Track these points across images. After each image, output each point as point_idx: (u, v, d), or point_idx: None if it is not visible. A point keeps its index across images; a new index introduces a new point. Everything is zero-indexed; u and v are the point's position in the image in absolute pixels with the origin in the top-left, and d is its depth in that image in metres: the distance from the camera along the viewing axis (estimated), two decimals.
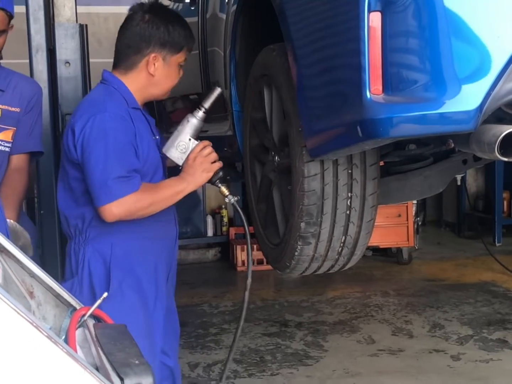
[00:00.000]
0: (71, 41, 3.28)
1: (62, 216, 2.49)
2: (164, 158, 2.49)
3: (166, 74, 2.50)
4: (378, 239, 6.50)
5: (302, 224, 2.25)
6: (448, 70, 1.77)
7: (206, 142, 2.43)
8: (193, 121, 2.41)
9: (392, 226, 6.58)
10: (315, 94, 2.06)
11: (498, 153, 1.81)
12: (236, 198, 2.41)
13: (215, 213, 7.21)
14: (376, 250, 6.95)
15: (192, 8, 3.33)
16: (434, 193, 2.69)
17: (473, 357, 4.31)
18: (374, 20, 1.79)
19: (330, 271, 2.58)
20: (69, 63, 3.23)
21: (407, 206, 6.57)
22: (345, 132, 1.97)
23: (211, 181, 2.42)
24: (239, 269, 6.71)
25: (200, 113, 2.44)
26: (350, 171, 2.23)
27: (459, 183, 7.14)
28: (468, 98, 1.75)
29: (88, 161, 2.31)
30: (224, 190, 2.40)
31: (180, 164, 2.41)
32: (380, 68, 1.81)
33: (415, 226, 6.76)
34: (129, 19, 2.51)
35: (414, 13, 1.80)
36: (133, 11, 2.51)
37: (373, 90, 1.81)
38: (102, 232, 2.39)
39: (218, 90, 2.50)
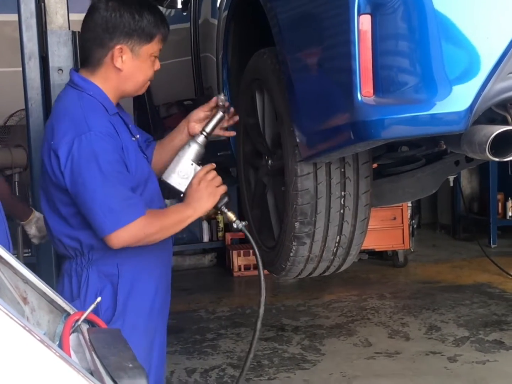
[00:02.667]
0: (64, 48, 3.28)
1: (55, 237, 2.30)
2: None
3: (136, 67, 2.26)
4: (374, 242, 6.51)
5: (297, 224, 2.26)
6: (438, 72, 1.79)
7: (209, 166, 2.31)
8: (195, 146, 2.30)
9: (387, 229, 6.59)
10: (306, 97, 2.07)
11: (489, 154, 1.83)
12: (244, 223, 2.29)
13: (211, 219, 7.21)
14: (372, 253, 6.96)
15: (184, 14, 3.35)
16: (427, 195, 2.70)
17: (469, 358, 4.32)
18: (364, 23, 1.80)
19: (326, 273, 2.59)
20: (62, 70, 3.23)
21: (402, 209, 6.59)
22: (338, 134, 1.98)
23: (216, 206, 2.28)
24: (235, 274, 6.71)
25: (201, 138, 2.34)
26: (343, 170, 2.23)
27: (451, 184, 7.16)
28: (459, 99, 1.77)
29: (83, 188, 2.13)
30: (231, 215, 2.28)
31: (183, 190, 2.28)
32: (371, 71, 1.82)
33: (410, 228, 6.77)
34: (91, 8, 2.27)
35: (404, 16, 1.81)
36: (94, 4, 2.27)
37: (364, 92, 1.82)
38: (106, 254, 2.25)
39: (220, 114, 2.41)
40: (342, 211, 2.27)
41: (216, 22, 2.82)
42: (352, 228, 2.32)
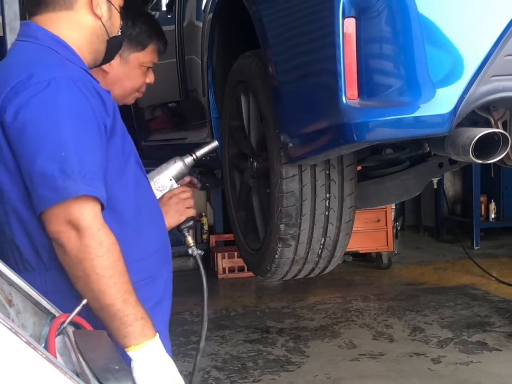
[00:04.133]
0: None
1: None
2: None
3: (124, 73, 2.16)
4: (358, 244, 6.53)
5: (282, 226, 2.27)
6: (422, 75, 1.80)
7: (187, 189, 2.21)
8: (180, 164, 2.24)
9: (371, 231, 6.62)
10: (292, 100, 2.08)
11: (473, 156, 1.84)
12: (200, 252, 2.20)
13: (196, 221, 7.19)
14: (356, 255, 6.98)
15: (169, 16, 3.35)
16: (411, 197, 2.72)
17: (453, 359, 4.34)
18: (348, 26, 1.82)
19: (311, 275, 2.60)
20: None
21: (386, 211, 6.61)
22: (323, 137, 2.00)
23: (179, 227, 2.16)
24: (220, 276, 6.71)
25: (189, 159, 2.27)
26: (327, 172, 2.25)
27: (435, 186, 7.20)
28: (442, 101, 1.78)
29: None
30: (190, 240, 2.20)
31: None
32: (356, 74, 1.83)
33: (394, 230, 6.80)
34: None
35: (388, 19, 1.83)
36: None
37: (349, 95, 1.84)
38: None
39: (215, 143, 2.33)
40: (327, 213, 2.29)
41: (201, 24, 2.82)
42: (337, 230, 2.34)
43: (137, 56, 2.18)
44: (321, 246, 2.37)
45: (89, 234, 1.53)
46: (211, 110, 2.83)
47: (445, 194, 7.73)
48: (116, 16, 1.82)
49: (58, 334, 1.39)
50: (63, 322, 1.40)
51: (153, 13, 3.70)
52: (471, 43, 1.77)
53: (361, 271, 6.78)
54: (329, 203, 2.27)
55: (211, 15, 2.66)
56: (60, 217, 1.53)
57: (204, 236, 7.20)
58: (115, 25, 1.82)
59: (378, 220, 6.66)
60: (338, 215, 2.31)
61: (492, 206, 7.56)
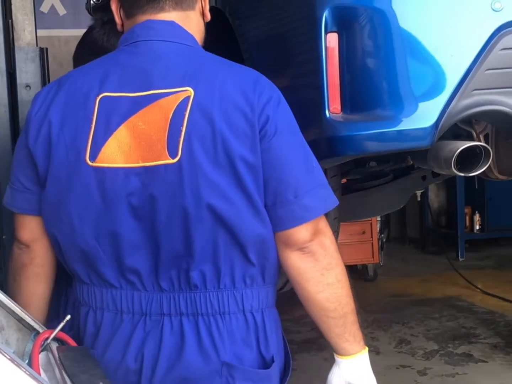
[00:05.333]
0: (32, 64, 3.26)
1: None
2: None
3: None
4: (344, 257, 6.28)
5: None
6: (404, 89, 1.82)
7: None
8: None
9: (356, 243, 6.62)
10: None
11: (455, 169, 1.86)
12: None
13: None
14: None
15: None
16: (395, 209, 2.74)
17: (439, 371, 4.34)
18: (331, 41, 1.84)
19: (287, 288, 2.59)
20: (30, 87, 3.21)
21: (371, 223, 6.62)
22: None
23: None
24: None
25: None
26: None
27: (419, 198, 7.24)
28: (424, 115, 1.80)
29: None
30: None
31: None
32: (338, 88, 1.85)
33: (380, 242, 6.81)
34: (88, 30, 2.22)
35: (370, 34, 1.85)
36: (95, 20, 2.24)
37: (332, 109, 1.85)
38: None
39: None
40: None
41: None
42: None
43: None
44: None
45: (333, 239, 1.58)
46: None
47: (430, 206, 7.76)
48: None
49: (42, 350, 1.39)
50: (47, 338, 1.40)
51: None
52: (452, 58, 1.79)
53: None
54: None
55: None
56: (314, 226, 1.53)
57: None
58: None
59: (364, 232, 6.67)
60: None
61: (477, 217, 7.59)
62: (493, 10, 1.77)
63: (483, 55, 1.77)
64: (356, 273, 6.96)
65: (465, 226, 7.53)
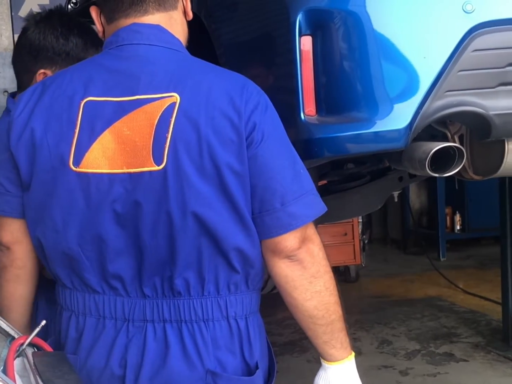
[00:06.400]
0: (9, 70, 3.25)
1: None
2: None
3: None
4: None
5: None
6: (378, 91, 1.84)
7: None
8: None
9: (338, 245, 6.64)
10: None
11: (429, 170, 1.88)
12: None
13: None
14: None
15: None
16: (372, 210, 2.75)
17: (421, 371, 4.37)
18: (305, 44, 1.85)
19: (275, 290, 2.59)
20: (8, 92, 3.21)
21: (352, 224, 6.65)
22: None
23: None
24: None
25: None
26: None
27: (396, 199, 7.27)
28: (398, 117, 1.82)
29: None
30: None
31: None
32: (313, 90, 1.86)
33: (361, 244, 6.84)
34: (22, 30, 2.08)
35: (344, 37, 1.86)
36: (27, 21, 2.08)
37: (307, 111, 1.86)
38: None
39: None
40: None
41: None
42: None
43: None
44: None
45: (322, 246, 1.56)
46: None
47: (411, 206, 7.81)
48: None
49: (17, 356, 1.38)
50: (22, 344, 1.39)
51: None
52: (425, 60, 1.81)
53: None
54: None
55: None
56: (302, 234, 1.52)
57: None
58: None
59: (345, 234, 6.69)
60: None
61: (457, 217, 7.64)
62: (465, 12, 1.78)
63: (455, 56, 1.78)
64: (338, 275, 6.98)
65: (446, 226, 7.58)
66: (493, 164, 2.05)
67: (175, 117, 1.44)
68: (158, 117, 1.45)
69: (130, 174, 1.47)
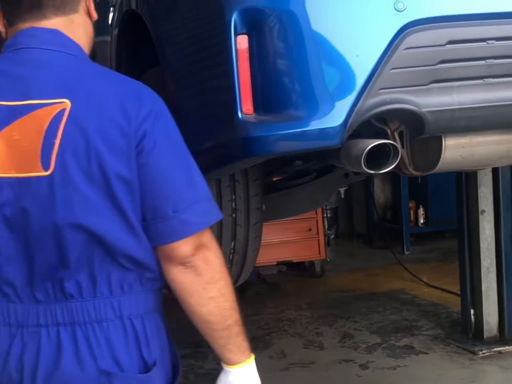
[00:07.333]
0: None
1: None
2: None
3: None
4: (291, 254, 6.59)
5: None
6: (314, 89, 1.85)
7: None
8: None
9: (303, 240, 6.67)
10: (191, 116, 2.10)
11: (365, 167, 1.90)
12: None
13: None
14: (290, 264, 7.03)
15: None
16: (319, 207, 2.78)
17: (380, 364, 4.40)
18: (241, 43, 1.86)
19: None
20: None
21: (317, 220, 6.67)
22: (222, 151, 2.03)
23: None
24: None
25: None
26: (232, 174, 2.27)
27: (342, 196, 7.32)
28: (333, 115, 1.83)
29: None
30: None
31: None
32: (250, 89, 1.87)
33: (326, 239, 6.87)
34: None
35: (280, 35, 1.87)
36: None
37: (245, 110, 1.87)
38: None
39: None
40: (234, 215, 2.31)
41: (109, 39, 2.82)
42: (246, 233, 2.35)
43: None
44: (232, 251, 2.39)
45: (218, 253, 1.56)
46: None
47: (375, 201, 7.86)
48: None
49: None
50: None
51: None
52: (358, 58, 1.82)
53: (294, 280, 6.82)
54: (235, 205, 2.30)
55: (116, 30, 2.66)
56: (196, 241, 1.52)
57: None
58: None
59: (310, 229, 6.72)
60: (245, 216, 2.33)
61: (421, 211, 7.71)
62: (396, 10, 1.80)
63: (387, 54, 1.80)
64: (303, 270, 7.02)
65: (410, 220, 7.64)
66: (431, 160, 2.07)
67: (65, 123, 1.44)
68: (48, 122, 1.45)
69: (18, 178, 1.47)
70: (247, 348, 1.63)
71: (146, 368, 1.56)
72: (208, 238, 1.54)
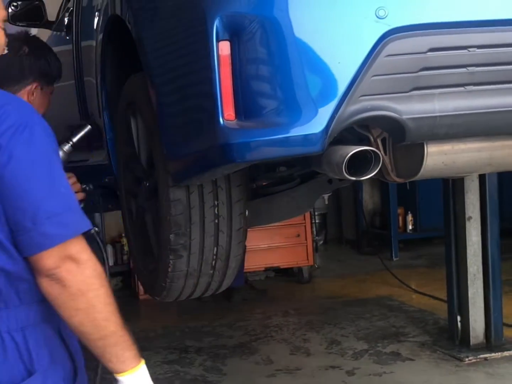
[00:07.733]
0: None
1: None
2: None
3: (40, 103, 2.51)
4: (279, 260, 6.60)
5: (171, 236, 2.27)
6: (295, 96, 1.85)
7: (71, 174, 2.35)
8: (59, 153, 2.38)
9: (291, 246, 6.68)
10: (174, 121, 2.10)
11: (346, 173, 1.90)
12: (96, 229, 2.29)
13: (115, 242, 7.13)
14: (278, 270, 7.03)
15: (68, 38, 3.33)
16: (303, 213, 2.78)
17: (367, 371, 4.40)
18: (223, 49, 1.85)
19: (209, 292, 2.59)
20: None
21: (305, 225, 6.68)
22: (204, 157, 2.02)
23: None
24: (141, 297, 6.64)
25: (67, 146, 2.52)
26: (214, 179, 2.26)
27: (326, 202, 7.33)
28: (314, 121, 1.83)
29: None
30: None
31: None
32: (231, 95, 1.86)
33: (314, 245, 6.88)
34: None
35: (262, 42, 1.87)
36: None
37: (226, 116, 1.87)
38: None
39: (87, 127, 2.58)
40: (216, 221, 2.30)
41: (94, 44, 2.82)
42: (228, 239, 2.35)
43: (50, 88, 2.62)
44: (214, 257, 2.38)
45: (89, 264, 1.54)
46: (106, 131, 2.82)
47: (364, 207, 7.87)
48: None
49: None
50: None
51: (56, 33, 3.67)
52: (340, 65, 1.82)
53: (282, 286, 6.82)
54: (218, 210, 2.30)
55: (101, 35, 2.65)
56: (60, 253, 1.51)
57: (125, 257, 7.12)
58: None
59: (298, 235, 6.72)
60: (228, 222, 2.33)
61: (409, 217, 7.73)
62: (378, 17, 1.80)
63: (369, 62, 1.79)
64: (291, 276, 7.02)
65: (399, 226, 7.66)
66: (413, 167, 2.07)
67: None
68: None
69: None
70: (128, 357, 1.61)
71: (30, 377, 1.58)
72: (76, 249, 1.53)
